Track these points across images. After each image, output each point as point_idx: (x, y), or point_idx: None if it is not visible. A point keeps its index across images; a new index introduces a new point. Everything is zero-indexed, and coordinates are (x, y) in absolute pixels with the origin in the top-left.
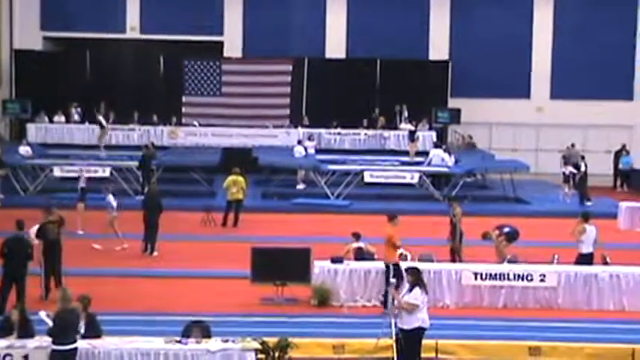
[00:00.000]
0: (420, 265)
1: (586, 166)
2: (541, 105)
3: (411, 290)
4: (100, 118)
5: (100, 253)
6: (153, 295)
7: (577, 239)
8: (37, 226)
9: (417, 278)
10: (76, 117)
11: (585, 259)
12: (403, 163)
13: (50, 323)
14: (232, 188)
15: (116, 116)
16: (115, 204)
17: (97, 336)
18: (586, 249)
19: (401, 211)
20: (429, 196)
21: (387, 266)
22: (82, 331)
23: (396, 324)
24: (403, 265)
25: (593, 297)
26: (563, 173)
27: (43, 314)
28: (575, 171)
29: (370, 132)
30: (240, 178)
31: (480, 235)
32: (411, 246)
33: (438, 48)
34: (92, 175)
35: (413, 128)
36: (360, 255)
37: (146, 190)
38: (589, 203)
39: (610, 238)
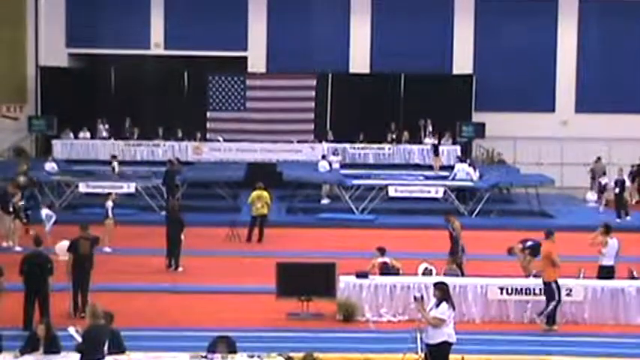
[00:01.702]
0: (446, 280)
1: (624, 181)
2: (566, 119)
3: (438, 305)
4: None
5: (126, 269)
6: (178, 311)
7: (599, 251)
8: (66, 241)
9: (444, 293)
10: (104, 133)
11: (607, 272)
12: (428, 178)
13: (79, 339)
14: (257, 203)
15: (141, 132)
16: (46, 217)
17: (121, 352)
18: (607, 261)
19: (426, 226)
20: (454, 210)
21: (547, 284)
22: (106, 347)
23: (421, 339)
24: (429, 279)
25: (620, 311)
26: (599, 183)
27: (72, 330)
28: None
29: (395, 146)
30: (265, 193)
31: (506, 250)
32: (436, 260)
33: (462, 62)
34: (117, 191)
35: (436, 142)
36: (386, 270)
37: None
38: (621, 219)
39: (637, 252)
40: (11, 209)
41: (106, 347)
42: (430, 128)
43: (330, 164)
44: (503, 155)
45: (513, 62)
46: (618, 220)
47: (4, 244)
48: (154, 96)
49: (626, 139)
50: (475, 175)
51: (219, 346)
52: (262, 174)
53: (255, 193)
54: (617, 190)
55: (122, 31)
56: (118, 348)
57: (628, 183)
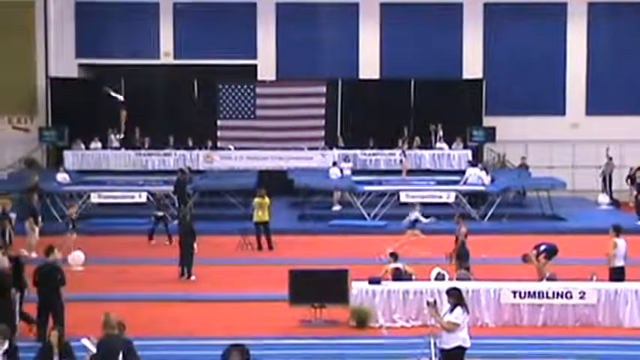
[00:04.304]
0: (458, 285)
1: None
2: (576, 121)
3: (452, 310)
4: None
5: (138, 278)
6: (191, 319)
7: (606, 254)
8: (79, 252)
9: (458, 298)
10: (115, 143)
11: (619, 273)
12: (439, 183)
13: (93, 350)
14: (258, 211)
15: (152, 141)
16: None
17: None
18: (618, 262)
19: (438, 231)
20: (466, 215)
21: None
22: (120, 357)
23: (435, 344)
24: (442, 284)
25: (634, 313)
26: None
27: (85, 341)
28: None
29: (406, 152)
30: (266, 200)
31: (520, 257)
32: (448, 265)
33: (472, 67)
34: (129, 200)
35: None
36: (398, 276)
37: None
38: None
39: None
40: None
41: (120, 357)
42: (441, 133)
43: (341, 171)
44: (514, 159)
45: (523, 66)
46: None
47: (26, 253)
48: (164, 105)
49: (637, 140)
50: (487, 180)
51: (232, 354)
52: (273, 181)
53: (256, 200)
54: (635, 193)
55: (132, 41)
56: (132, 358)
57: None
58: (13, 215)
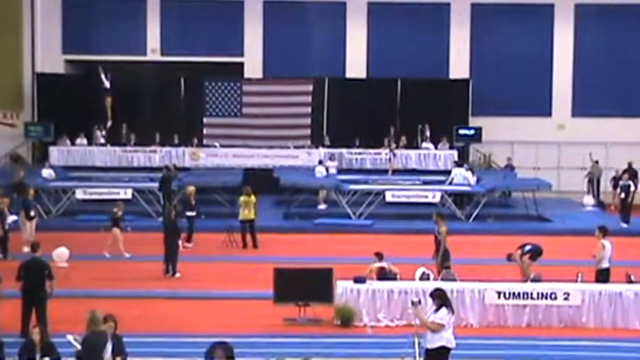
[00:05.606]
0: (443, 285)
1: (636, 185)
2: (562, 123)
3: (437, 310)
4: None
5: (123, 276)
6: (175, 317)
7: (593, 256)
8: (64, 248)
9: (443, 299)
10: (102, 140)
11: (605, 274)
12: (425, 183)
13: (78, 346)
14: (244, 209)
15: (137, 138)
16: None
17: (123, 359)
18: (605, 264)
19: (423, 231)
20: (452, 215)
21: None
22: (109, 353)
23: (419, 344)
24: (427, 284)
25: (618, 315)
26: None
27: (70, 337)
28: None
29: (394, 151)
30: (252, 198)
31: (505, 257)
32: (434, 265)
33: (459, 67)
34: (114, 196)
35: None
36: (383, 275)
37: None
38: (628, 224)
39: (634, 257)
40: (32, 214)
41: (109, 354)
42: (428, 133)
43: (327, 169)
44: (499, 159)
45: (510, 67)
46: (625, 225)
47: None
48: (150, 102)
49: (623, 142)
50: (473, 180)
51: (216, 352)
52: (259, 179)
53: (242, 198)
54: (622, 195)
55: (119, 37)
56: (121, 354)
57: (633, 187)
58: (14, 217)
